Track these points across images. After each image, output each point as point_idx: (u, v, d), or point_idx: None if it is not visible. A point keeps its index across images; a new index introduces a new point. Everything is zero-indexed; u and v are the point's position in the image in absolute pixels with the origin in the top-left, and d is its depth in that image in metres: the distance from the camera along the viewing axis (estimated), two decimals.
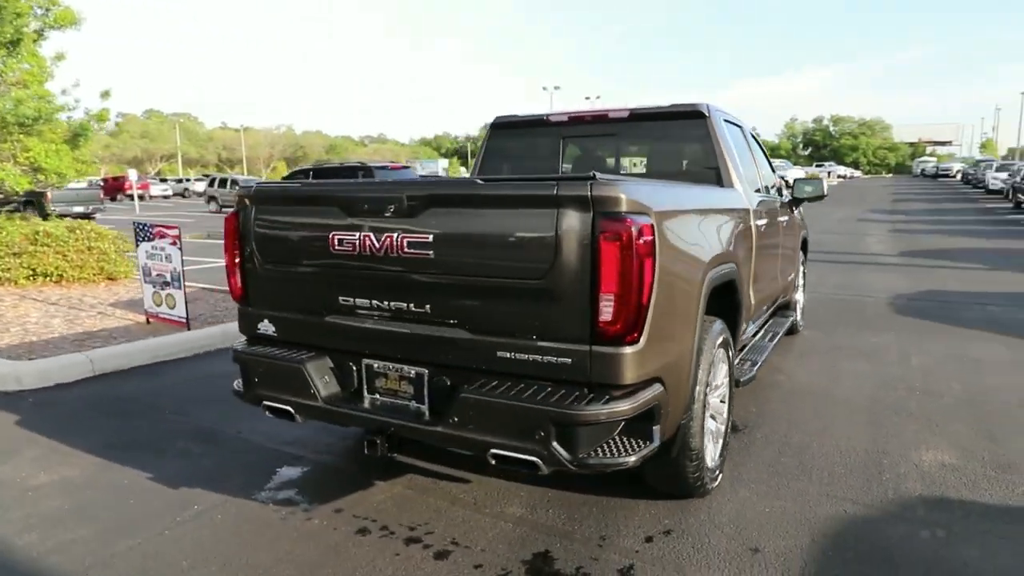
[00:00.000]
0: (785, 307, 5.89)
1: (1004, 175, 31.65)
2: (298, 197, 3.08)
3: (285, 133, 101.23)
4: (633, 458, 2.46)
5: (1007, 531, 3.01)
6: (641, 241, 2.32)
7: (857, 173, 74.57)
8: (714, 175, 4.05)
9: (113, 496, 3.46)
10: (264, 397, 3.10)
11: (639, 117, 4.31)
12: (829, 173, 56.69)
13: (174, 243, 6.66)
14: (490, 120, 4.85)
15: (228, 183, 31.87)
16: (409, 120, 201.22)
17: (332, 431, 4.20)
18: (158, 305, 6.92)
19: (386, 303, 2.79)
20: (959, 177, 51.39)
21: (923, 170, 66.53)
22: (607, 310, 2.35)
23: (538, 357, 2.50)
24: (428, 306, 2.69)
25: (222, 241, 3.38)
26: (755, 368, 4.04)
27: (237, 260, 3.22)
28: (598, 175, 2.35)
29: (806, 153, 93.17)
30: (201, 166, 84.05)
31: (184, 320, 6.66)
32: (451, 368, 2.71)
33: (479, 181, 2.58)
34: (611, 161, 4.58)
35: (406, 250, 2.64)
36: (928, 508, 3.23)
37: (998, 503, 3.27)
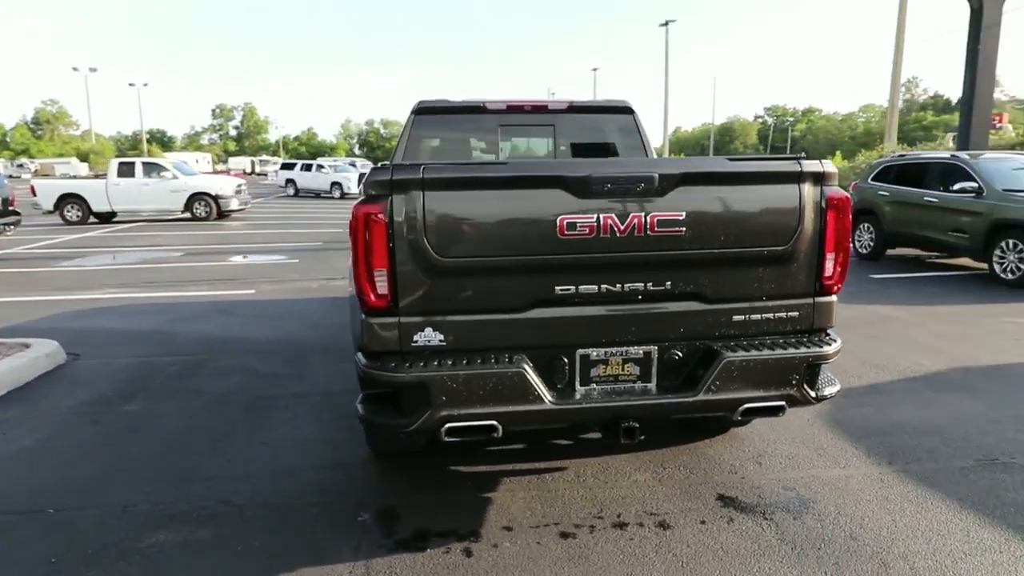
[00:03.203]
0: None
1: None
2: (499, 180, 2.64)
3: None
4: (839, 386, 3.03)
5: (913, 397, 4.53)
6: (847, 208, 2.89)
7: None
8: None
9: None
10: (453, 418, 2.61)
11: (576, 110, 4.69)
12: None
13: None
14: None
15: None
16: None
17: (286, 473, 3.55)
18: None
19: (618, 286, 2.71)
20: None
21: None
22: (829, 267, 2.87)
23: (770, 315, 2.86)
24: (668, 283, 2.74)
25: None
26: None
27: (383, 260, 2.58)
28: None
29: (362, 153, 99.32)
30: None
31: None
32: (682, 340, 2.83)
33: (728, 160, 2.76)
34: (548, 149, 4.82)
35: (656, 229, 2.65)
36: (859, 395, 4.56)
37: (886, 381, 4.82)
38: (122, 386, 5.00)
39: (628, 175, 2.63)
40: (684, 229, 2.68)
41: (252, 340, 6.29)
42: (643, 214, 2.64)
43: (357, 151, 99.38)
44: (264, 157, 78.86)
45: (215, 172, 44.54)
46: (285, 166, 35.83)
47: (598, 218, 2.62)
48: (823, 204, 2.81)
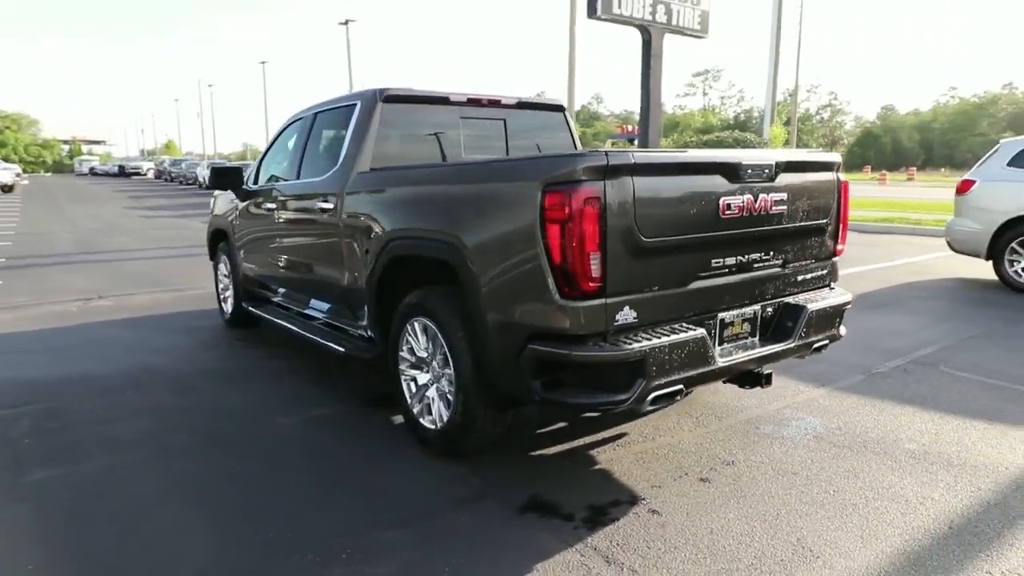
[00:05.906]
0: None
1: (207, 171, 37.00)
2: (682, 165, 2.88)
3: None
4: (845, 328, 3.91)
5: None
6: (848, 190, 3.77)
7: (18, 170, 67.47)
8: None
9: None
10: (658, 387, 2.80)
11: (523, 106, 4.92)
12: (18, 173, 48.97)
13: None
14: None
15: None
16: None
17: (378, 492, 3.36)
18: None
19: (746, 256, 3.18)
20: (152, 175, 54.95)
21: (92, 169, 65.58)
22: (842, 236, 3.75)
23: (814, 273, 3.63)
24: (771, 252, 3.31)
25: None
26: None
27: (596, 244, 2.63)
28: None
29: None
30: None
31: None
32: (771, 299, 3.41)
33: (808, 152, 3.40)
34: (501, 143, 4.89)
35: (773, 208, 3.19)
36: None
37: None
38: None
39: (761, 163, 3.14)
40: (785, 208, 3.28)
41: (86, 377, 4.98)
42: (767, 195, 3.17)
43: None
44: None
45: None
46: None
47: (744, 199, 3.07)
48: (839, 187, 3.69)
